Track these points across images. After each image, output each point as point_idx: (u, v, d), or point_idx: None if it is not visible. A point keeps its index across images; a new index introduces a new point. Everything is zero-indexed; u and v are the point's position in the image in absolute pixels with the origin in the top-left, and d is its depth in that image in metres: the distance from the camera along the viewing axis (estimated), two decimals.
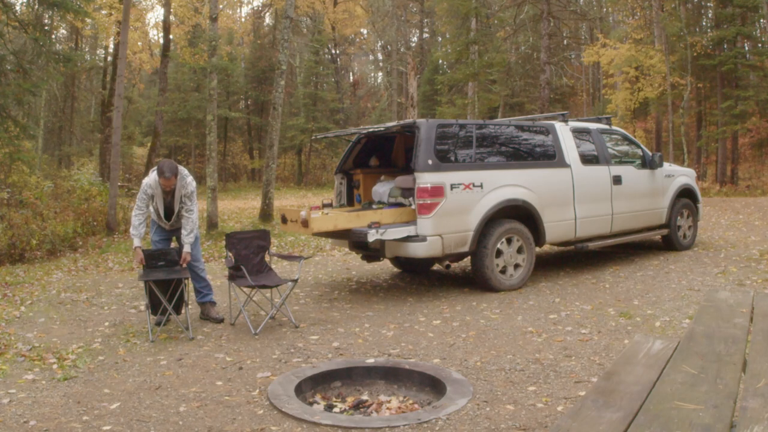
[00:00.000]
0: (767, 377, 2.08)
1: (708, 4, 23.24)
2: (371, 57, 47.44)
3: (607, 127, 7.92)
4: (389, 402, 3.73)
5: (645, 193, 7.92)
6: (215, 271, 8.15)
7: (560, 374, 3.91)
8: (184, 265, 5.36)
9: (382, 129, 6.62)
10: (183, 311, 5.36)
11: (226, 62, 17.02)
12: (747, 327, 2.72)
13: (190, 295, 5.76)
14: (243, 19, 39.16)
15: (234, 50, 32.66)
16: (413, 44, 38.33)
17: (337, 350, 4.60)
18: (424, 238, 5.89)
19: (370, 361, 4.25)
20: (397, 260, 7.63)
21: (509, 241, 6.48)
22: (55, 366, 4.34)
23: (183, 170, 5.37)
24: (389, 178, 7.05)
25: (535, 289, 6.51)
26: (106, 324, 5.57)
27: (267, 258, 5.81)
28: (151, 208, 5.49)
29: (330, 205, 7.16)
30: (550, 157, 6.94)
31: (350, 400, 3.80)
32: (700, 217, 8.95)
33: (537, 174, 6.75)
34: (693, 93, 22.86)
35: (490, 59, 21.89)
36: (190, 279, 5.48)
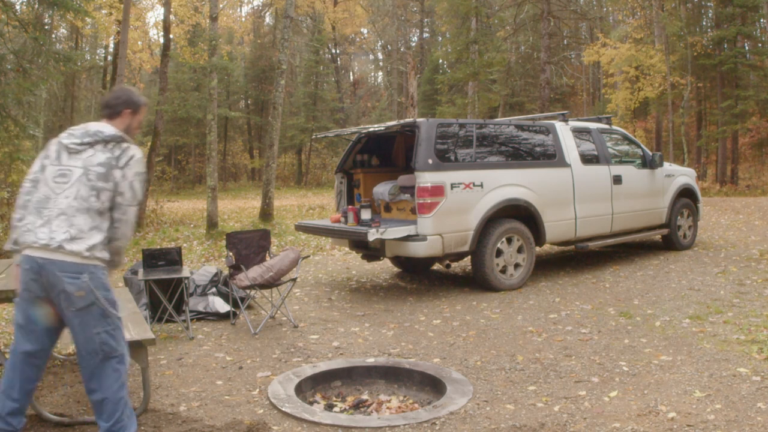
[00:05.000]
0: None
1: (708, 3, 23.24)
2: (371, 57, 47.47)
3: (607, 126, 7.92)
4: (389, 401, 3.73)
5: (645, 192, 7.92)
6: None
7: (560, 374, 3.90)
8: None
9: (382, 128, 6.62)
10: (184, 310, 5.36)
11: (226, 62, 16.99)
12: None
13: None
14: (243, 19, 39.13)
15: (234, 50, 32.63)
16: (413, 44, 38.33)
17: (337, 350, 4.60)
18: (424, 238, 5.89)
19: (370, 360, 4.25)
20: (397, 260, 7.63)
21: (509, 240, 6.48)
22: (55, 365, 4.34)
23: None
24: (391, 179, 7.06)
25: (535, 288, 6.51)
26: None
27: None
28: None
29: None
30: (550, 156, 6.94)
31: (350, 399, 3.80)
32: (700, 216, 8.95)
33: (537, 173, 6.75)
34: (693, 93, 22.85)
35: (490, 59, 21.88)
36: (190, 279, 5.48)
